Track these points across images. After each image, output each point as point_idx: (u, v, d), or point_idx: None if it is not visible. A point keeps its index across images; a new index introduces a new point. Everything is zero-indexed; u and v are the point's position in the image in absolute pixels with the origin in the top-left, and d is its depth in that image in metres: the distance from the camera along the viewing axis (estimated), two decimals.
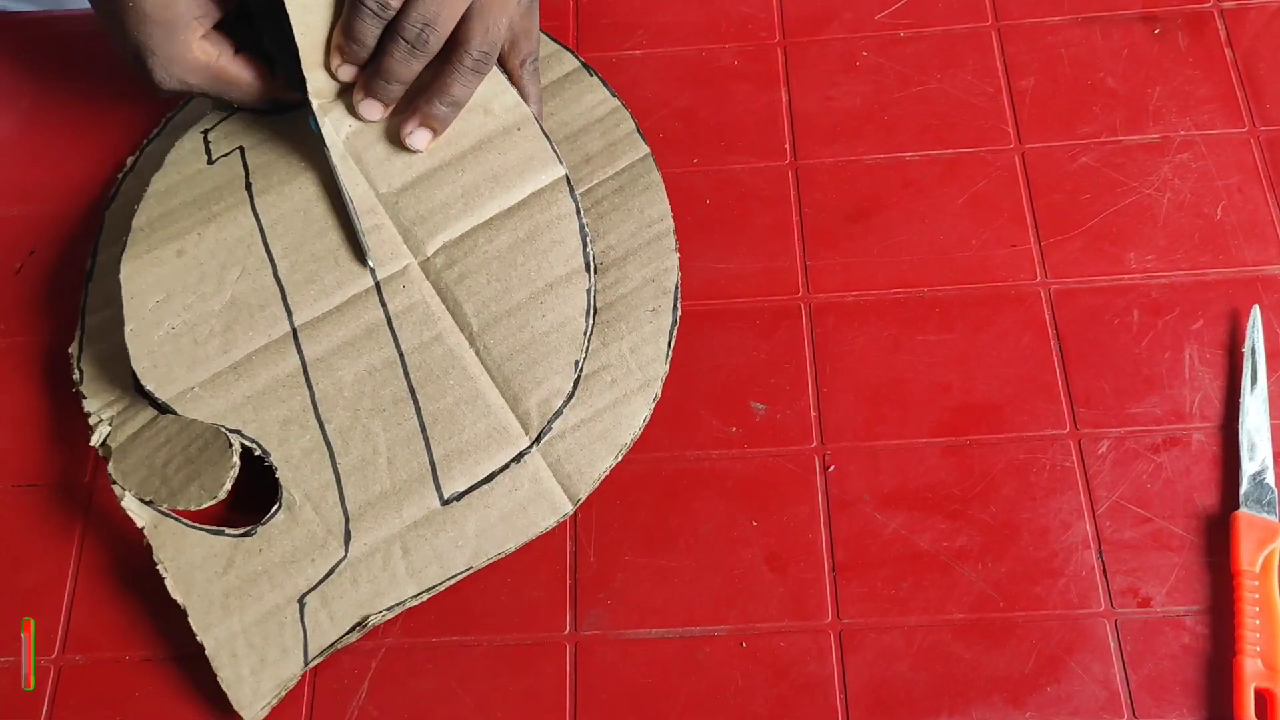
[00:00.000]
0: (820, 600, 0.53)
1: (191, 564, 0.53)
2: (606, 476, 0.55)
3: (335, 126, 0.57)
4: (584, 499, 0.55)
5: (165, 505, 0.53)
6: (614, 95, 0.63)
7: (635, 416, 0.56)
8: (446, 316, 0.56)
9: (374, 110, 0.57)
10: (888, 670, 0.51)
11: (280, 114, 0.59)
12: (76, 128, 0.67)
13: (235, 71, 0.56)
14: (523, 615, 0.54)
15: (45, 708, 0.53)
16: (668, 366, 0.57)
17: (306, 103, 0.56)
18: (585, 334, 0.56)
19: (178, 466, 0.53)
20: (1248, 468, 0.53)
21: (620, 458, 0.55)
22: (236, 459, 0.53)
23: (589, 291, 0.56)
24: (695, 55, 0.67)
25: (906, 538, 0.54)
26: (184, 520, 0.53)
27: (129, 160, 0.64)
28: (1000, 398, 0.56)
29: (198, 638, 0.52)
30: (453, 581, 0.53)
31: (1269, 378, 0.55)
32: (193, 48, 0.55)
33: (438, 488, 0.54)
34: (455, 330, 0.56)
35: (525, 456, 0.54)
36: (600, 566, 0.54)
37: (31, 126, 0.67)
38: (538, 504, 0.54)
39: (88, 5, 0.57)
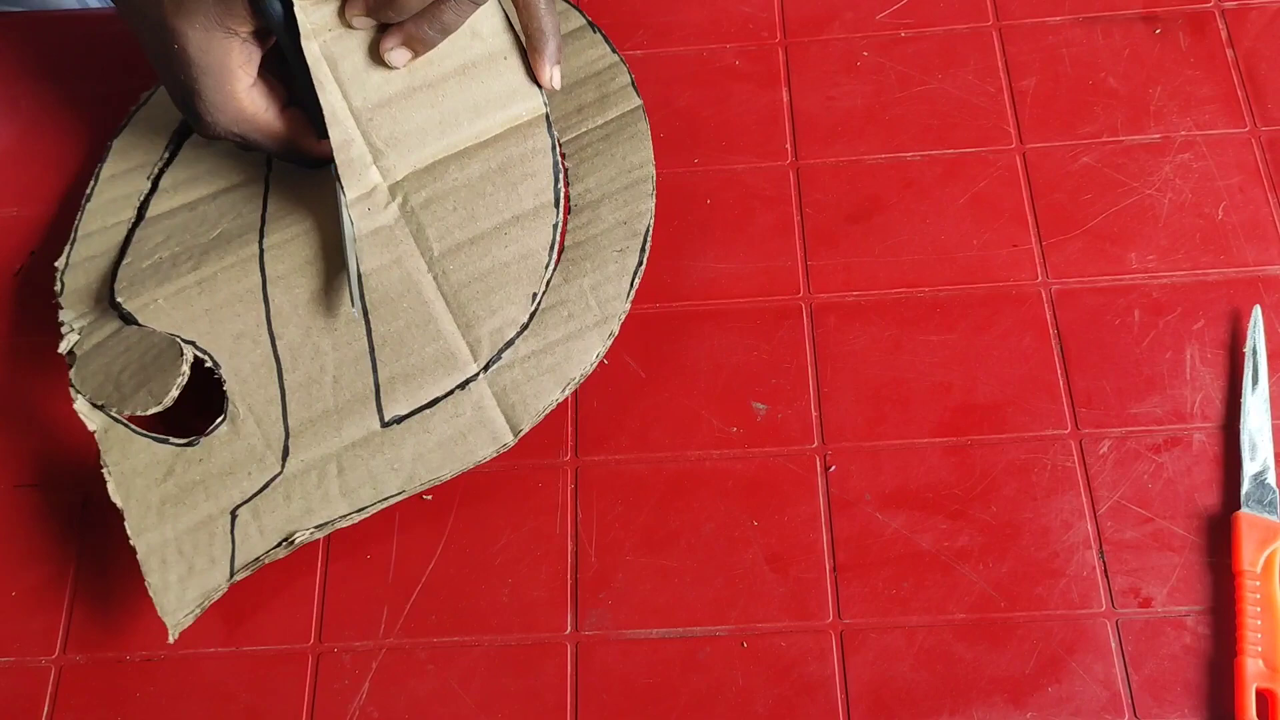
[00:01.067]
0: (821, 600, 0.53)
1: (134, 469, 0.53)
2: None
3: (315, 30, 0.54)
4: (525, 431, 0.54)
5: (115, 410, 0.53)
6: (614, 51, 0.63)
7: (588, 352, 0.55)
8: (409, 240, 0.56)
9: (401, 56, 0.55)
10: (889, 670, 0.51)
11: (320, 168, 0.59)
12: (77, 128, 0.67)
13: (279, 127, 0.56)
14: (523, 615, 0.54)
15: (45, 708, 0.53)
16: (628, 306, 0.57)
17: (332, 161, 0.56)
18: (546, 267, 0.56)
19: (131, 373, 0.54)
20: (1249, 468, 0.53)
21: (567, 393, 0.55)
22: (186, 368, 0.54)
23: (555, 226, 0.56)
24: (696, 55, 0.66)
25: (907, 538, 0.54)
26: (132, 427, 0.54)
27: (143, 96, 0.64)
28: (1001, 398, 0.56)
29: (131, 541, 0.52)
30: (384, 505, 0.53)
31: (1270, 378, 0.55)
32: (240, 97, 0.54)
33: (379, 409, 0.54)
34: (415, 254, 0.56)
35: (471, 384, 0.54)
36: (601, 566, 0.54)
37: (31, 127, 0.67)
38: (478, 432, 0.54)
39: (87, 5, 0.57)
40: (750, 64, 0.66)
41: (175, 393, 0.53)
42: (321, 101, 0.55)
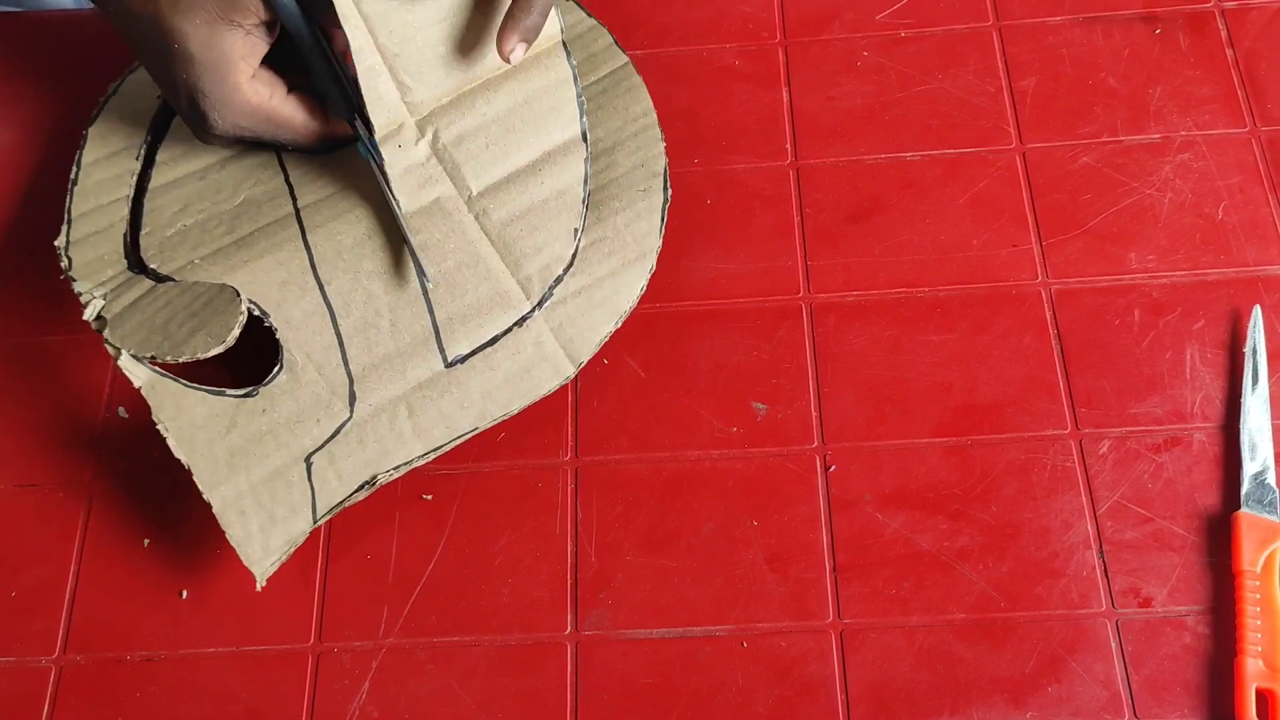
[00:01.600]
0: (821, 600, 0.53)
1: (193, 424, 0.53)
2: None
3: None
4: (585, 362, 0.56)
5: (169, 356, 0.53)
6: (590, 16, 0.64)
7: (634, 285, 0.57)
8: (445, 180, 0.56)
9: (521, 52, 0.55)
10: (889, 670, 0.51)
11: (331, 152, 0.59)
12: (76, 128, 0.67)
13: (288, 113, 0.56)
14: (524, 615, 0.54)
15: (45, 708, 0.53)
16: (660, 241, 0.58)
17: (358, 136, 0.56)
18: (583, 202, 0.57)
19: (181, 321, 0.54)
20: (1249, 468, 0.53)
21: (619, 324, 0.57)
22: (244, 307, 0.54)
23: (586, 160, 0.58)
24: (696, 55, 0.66)
25: (907, 538, 0.54)
26: (182, 381, 0.54)
27: (111, 87, 0.64)
28: (1001, 398, 0.56)
29: (205, 496, 0.52)
30: (459, 441, 0.54)
31: (1270, 378, 0.55)
32: (244, 89, 0.54)
33: (441, 350, 0.55)
34: (454, 194, 0.56)
35: (528, 320, 0.56)
36: (601, 566, 0.54)
37: (31, 127, 0.67)
38: (541, 367, 0.55)
39: (88, 5, 0.57)
40: (750, 64, 0.66)
41: (237, 331, 0.53)
42: (348, 34, 0.54)
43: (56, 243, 0.59)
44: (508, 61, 0.55)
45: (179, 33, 0.52)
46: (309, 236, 0.56)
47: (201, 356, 0.53)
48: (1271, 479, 0.53)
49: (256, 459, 0.53)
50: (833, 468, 0.55)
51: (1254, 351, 0.56)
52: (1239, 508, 0.53)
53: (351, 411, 0.54)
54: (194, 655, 0.53)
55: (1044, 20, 0.66)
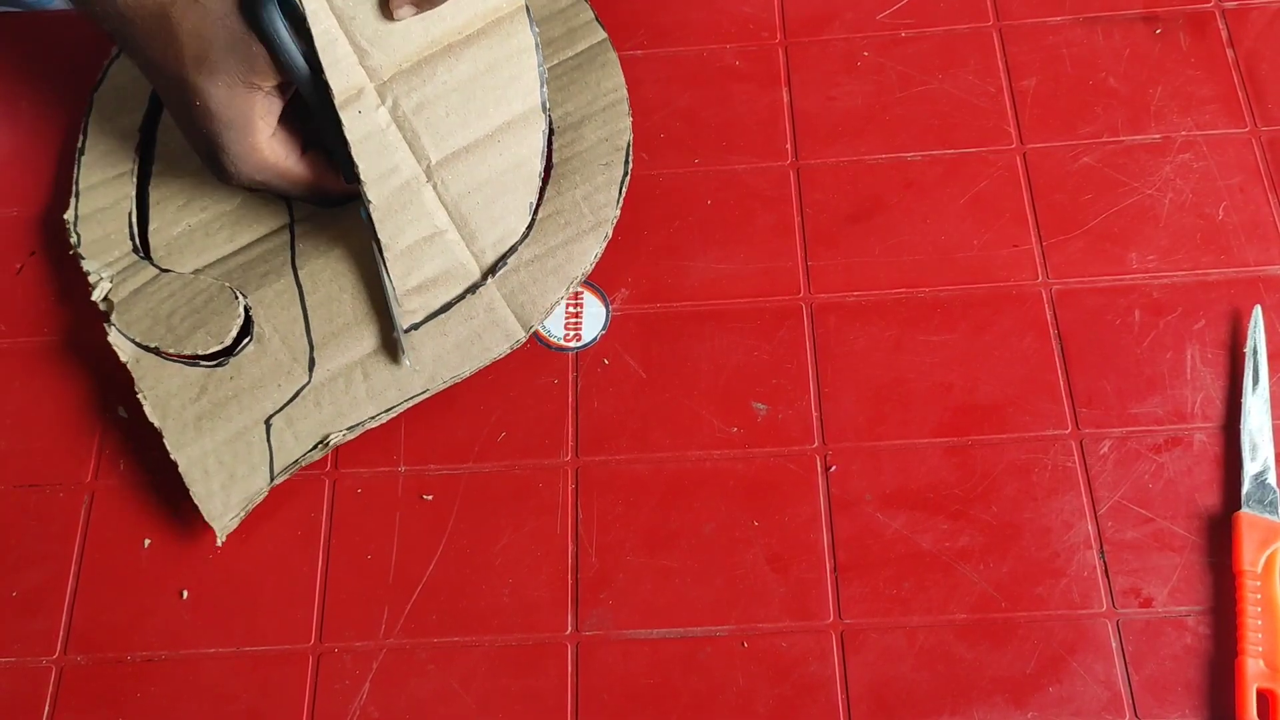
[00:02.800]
0: (822, 600, 0.53)
1: (168, 392, 0.56)
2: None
3: None
4: (536, 327, 0.58)
5: (171, 349, 0.57)
6: None
7: (587, 253, 0.59)
8: (404, 148, 0.56)
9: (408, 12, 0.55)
10: (889, 670, 0.51)
11: (339, 207, 0.60)
12: (77, 128, 0.67)
13: (301, 172, 0.57)
14: (524, 615, 0.54)
15: (46, 708, 0.53)
16: (618, 211, 0.59)
17: (360, 196, 0.57)
18: (539, 175, 0.58)
19: (183, 316, 0.57)
20: (1249, 468, 0.53)
21: (570, 291, 0.58)
22: (242, 310, 0.57)
23: (544, 133, 0.58)
24: (696, 55, 0.66)
25: (908, 538, 0.54)
26: (163, 354, 0.57)
27: (115, 50, 0.66)
28: (1002, 398, 0.56)
29: (171, 456, 0.55)
30: (410, 404, 0.56)
31: (1270, 378, 0.55)
32: (261, 148, 0.55)
33: (397, 325, 0.57)
34: (413, 162, 0.57)
35: (480, 288, 0.57)
36: (602, 566, 0.54)
37: (31, 127, 0.67)
38: (492, 332, 0.57)
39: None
40: (750, 64, 0.66)
41: (235, 332, 0.57)
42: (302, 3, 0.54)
43: (66, 216, 0.61)
44: (393, 19, 0.55)
45: (201, 91, 0.52)
46: (296, 236, 0.60)
47: (201, 353, 0.56)
48: (1272, 479, 0.53)
49: (221, 421, 0.56)
50: (833, 468, 0.55)
51: (1254, 351, 0.56)
52: (1239, 508, 0.53)
53: (310, 376, 0.56)
54: (194, 655, 0.53)
55: (1044, 20, 0.66)
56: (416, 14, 0.55)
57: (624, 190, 0.60)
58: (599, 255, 0.59)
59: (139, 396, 0.56)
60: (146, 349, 0.57)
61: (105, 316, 0.58)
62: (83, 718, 0.53)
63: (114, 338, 0.57)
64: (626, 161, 0.61)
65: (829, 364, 0.58)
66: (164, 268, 0.59)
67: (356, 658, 0.53)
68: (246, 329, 0.57)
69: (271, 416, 0.56)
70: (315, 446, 0.55)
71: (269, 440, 0.56)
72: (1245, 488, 0.53)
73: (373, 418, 0.56)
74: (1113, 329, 0.58)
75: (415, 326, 0.57)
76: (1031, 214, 0.61)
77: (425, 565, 0.55)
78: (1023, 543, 0.53)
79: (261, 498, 0.55)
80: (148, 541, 0.56)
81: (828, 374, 0.58)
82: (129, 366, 0.57)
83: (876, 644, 0.52)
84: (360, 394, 0.56)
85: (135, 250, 0.60)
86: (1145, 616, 0.52)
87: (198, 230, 0.61)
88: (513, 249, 0.58)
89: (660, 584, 0.54)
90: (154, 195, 0.62)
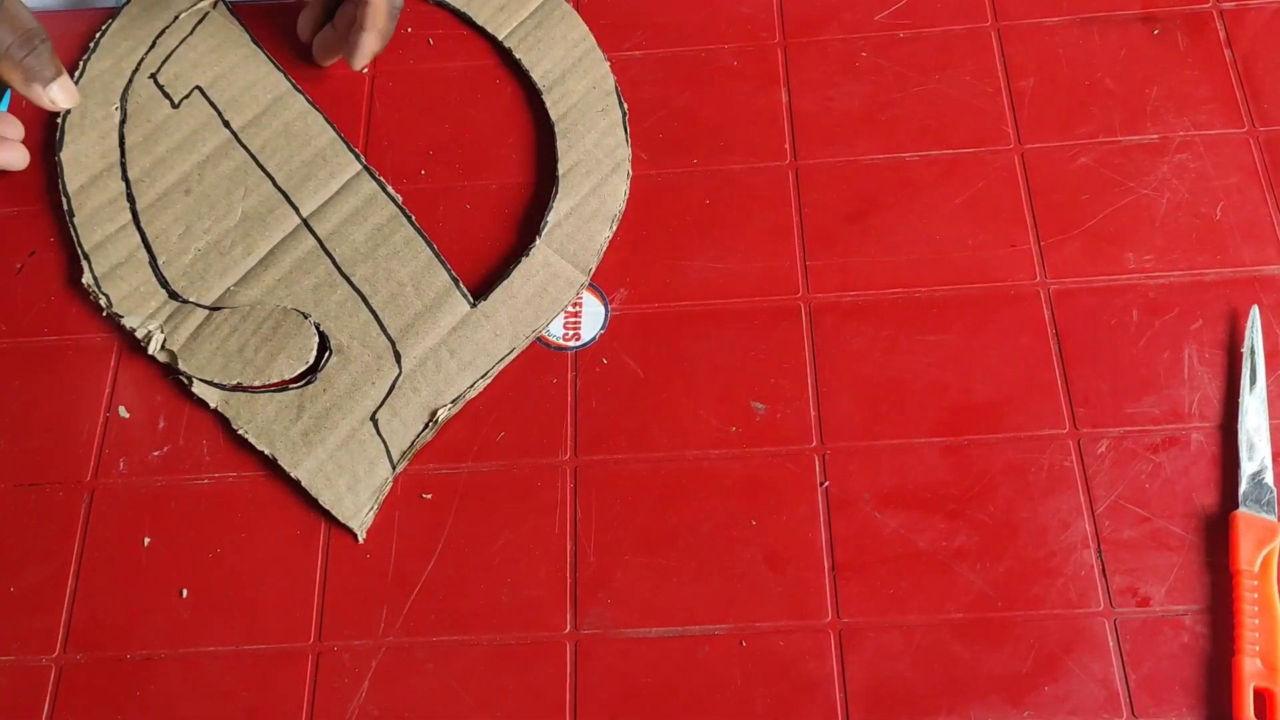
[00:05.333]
0: (819, 600, 0.53)
1: (267, 419, 0.58)
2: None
3: None
4: (594, 269, 0.60)
5: (256, 381, 0.58)
6: None
7: (617, 191, 0.62)
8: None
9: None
10: (887, 669, 0.51)
11: None
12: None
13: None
14: (523, 614, 0.54)
15: (46, 707, 0.53)
16: (630, 149, 0.63)
17: None
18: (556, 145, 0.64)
19: (255, 348, 0.59)
20: (1247, 467, 0.53)
21: (614, 229, 0.61)
22: (313, 328, 0.59)
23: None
24: (695, 55, 0.67)
25: (906, 537, 0.54)
26: (249, 389, 0.58)
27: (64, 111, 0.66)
28: (999, 397, 0.56)
29: (292, 474, 0.56)
30: (503, 365, 0.58)
31: (1268, 377, 0.56)
32: None
33: (464, 295, 0.60)
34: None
35: (531, 250, 0.61)
36: (600, 566, 0.54)
37: (30, 127, 0.67)
38: (555, 283, 0.60)
39: (87, 5, 0.57)
40: (749, 64, 0.66)
41: (315, 350, 0.59)
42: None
43: (85, 281, 0.61)
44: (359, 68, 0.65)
45: None
46: (327, 245, 0.62)
47: (289, 378, 0.58)
48: (1269, 479, 0.53)
49: (328, 430, 0.57)
50: (826, 484, 0.55)
51: (1251, 351, 0.56)
52: (1237, 507, 0.53)
53: (400, 368, 0.58)
54: (194, 654, 0.53)
55: (1042, 21, 0.66)
56: (379, 45, 0.63)
57: (628, 128, 0.64)
58: (627, 191, 0.62)
59: (241, 433, 0.57)
60: (230, 388, 0.58)
61: (167, 369, 0.59)
62: (82, 716, 0.53)
63: (198, 388, 0.58)
64: (620, 103, 0.65)
65: (827, 363, 0.58)
66: (192, 300, 0.60)
67: (355, 656, 0.53)
68: (324, 344, 0.59)
69: (375, 413, 0.57)
70: (426, 426, 0.57)
71: (380, 434, 0.57)
72: (1242, 487, 0.53)
73: (471, 386, 0.58)
74: (1110, 329, 0.58)
75: (484, 297, 0.59)
76: (1029, 214, 0.61)
77: (424, 564, 0.55)
78: (1020, 542, 0.53)
79: (388, 488, 0.56)
80: (147, 540, 0.56)
81: (826, 373, 0.58)
82: (218, 409, 0.58)
83: (874, 643, 0.52)
84: (452, 369, 0.58)
85: (172, 296, 0.61)
86: (1142, 616, 0.52)
87: (209, 252, 0.62)
88: (550, 207, 0.61)
89: (658, 583, 0.54)
90: (150, 232, 0.63)
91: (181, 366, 0.59)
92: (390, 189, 0.63)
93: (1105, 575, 0.53)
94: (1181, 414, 0.55)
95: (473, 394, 0.58)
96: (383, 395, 0.58)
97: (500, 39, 0.68)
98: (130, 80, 0.67)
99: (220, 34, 0.69)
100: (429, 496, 0.56)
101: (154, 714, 0.53)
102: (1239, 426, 0.54)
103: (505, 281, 0.60)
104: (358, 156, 0.64)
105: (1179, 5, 0.66)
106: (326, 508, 0.55)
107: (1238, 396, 0.55)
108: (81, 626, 0.55)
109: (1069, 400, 0.56)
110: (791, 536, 0.54)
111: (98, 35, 0.69)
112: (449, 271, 0.61)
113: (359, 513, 0.56)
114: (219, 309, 0.60)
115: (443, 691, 0.52)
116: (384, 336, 0.59)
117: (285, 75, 0.67)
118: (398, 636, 0.54)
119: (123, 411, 0.59)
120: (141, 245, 0.62)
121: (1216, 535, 0.53)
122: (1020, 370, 0.57)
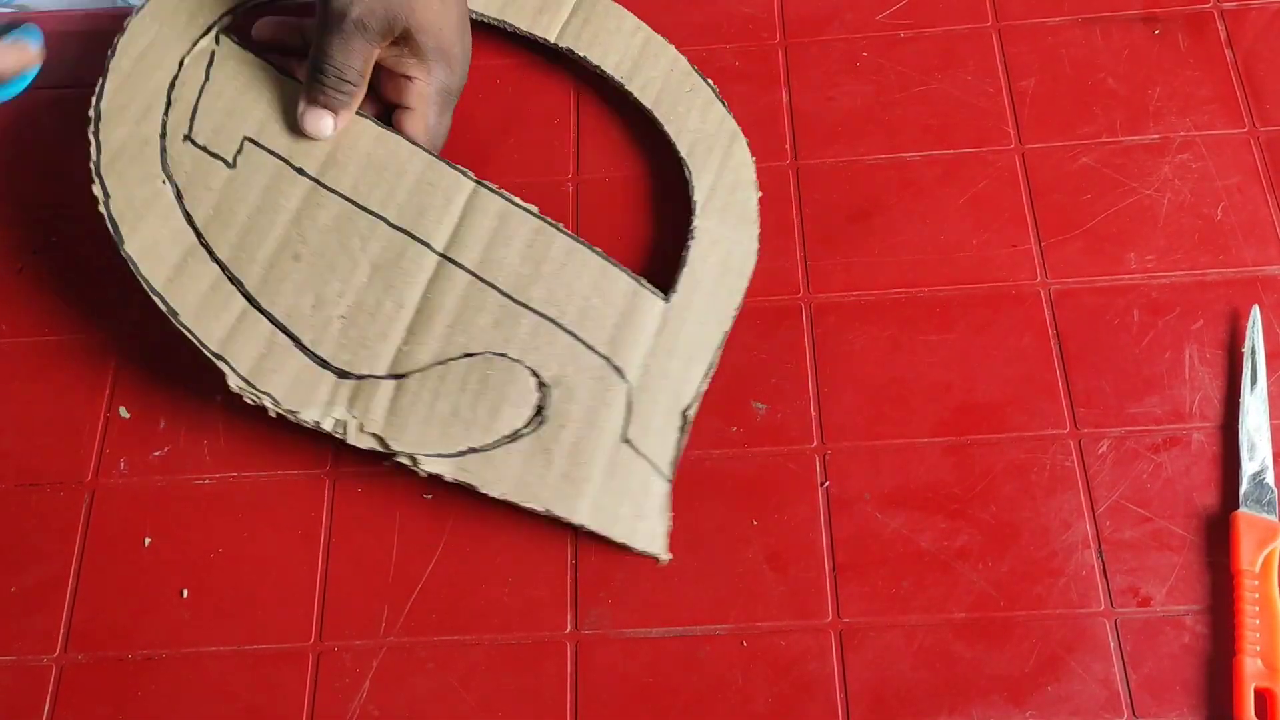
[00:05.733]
0: (821, 599, 0.53)
1: (516, 475, 0.54)
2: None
3: None
4: (758, 221, 0.61)
5: (487, 440, 0.54)
6: None
7: (746, 157, 0.62)
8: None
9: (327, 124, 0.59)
10: (888, 669, 0.51)
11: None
12: (77, 127, 0.67)
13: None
14: (524, 614, 0.54)
15: (46, 707, 0.53)
16: (734, 121, 0.63)
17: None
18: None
19: (470, 406, 0.54)
20: (1248, 467, 0.53)
21: (757, 195, 0.61)
22: (524, 367, 0.55)
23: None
24: (696, 56, 0.66)
25: (907, 537, 0.54)
26: (479, 447, 0.54)
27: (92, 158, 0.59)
28: (1001, 397, 0.56)
29: (574, 521, 0.53)
30: (722, 347, 0.57)
31: (1269, 378, 0.56)
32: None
33: (652, 291, 0.57)
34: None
35: (694, 230, 0.59)
36: (601, 565, 0.54)
37: (32, 126, 0.67)
38: (733, 252, 0.60)
39: (86, 5, 0.57)
40: (750, 64, 0.66)
41: (536, 388, 0.55)
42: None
43: (234, 386, 0.54)
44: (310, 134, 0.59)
45: None
46: (482, 275, 0.57)
47: (520, 426, 0.54)
48: (1270, 479, 0.53)
49: (586, 466, 0.54)
50: (826, 483, 0.55)
51: (1253, 351, 0.56)
52: (1238, 507, 0.53)
53: (627, 380, 0.55)
54: (195, 654, 0.53)
55: (1043, 21, 0.66)
56: (335, 125, 0.59)
57: (722, 101, 0.64)
58: (747, 151, 0.62)
59: (496, 496, 0.53)
60: (460, 454, 0.54)
61: (382, 455, 0.54)
62: (83, 716, 0.53)
63: (427, 465, 0.53)
64: (705, 79, 0.64)
65: (828, 363, 0.58)
66: (364, 373, 0.55)
67: (356, 656, 0.53)
68: (540, 380, 0.55)
69: (626, 433, 0.54)
70: (681, 429, 0.55)
71: (640, 452, 0.54)
72: (1243, 487, 0.53)
73: (705, 376, 0.56)
74: (1111, 329, 0.58)
75: (674, 288, 0.58)
76: (1030, 214, 0.61)
77: (425, 564, 0.55)
78: (1021, 542, 0.53)
79: (670, 499, 0.54)
80: (148, 540, 0.56)
81: (827, 373, 0.58)
82: (459, 480, 0.53)
83: (875, 643, 0.52)
84: (677, 368, 0.56)
85: (341, 376, 0.55)
86: (1143, 616, 0.52)
87: (356, 317, 0.56)
88: (690, 186, 0.60)
89: (659, 583, 0.54)
90: (276, 312, 0.56)
91: (395, 447, 0.53)
92: (518, 199, 0.59)
93: (1106, 575, 0.53)
94: (1182, 414, 0.55)
95: (705, 385, 0.56)
96: (623, 413, 0.55)
97: (551, 41, 0.65)
98: (163, 149, 0.59)
99: (240, 72, 0.61)
100: (429, 496, 0.56)
101: (155, 714, 0.53)
102: (1240, 426, 0.54)
103: (685, 268, 0.58)
104: (463, 172, 0.59)
105: (1180, 5, 0.66)
106: (621, 542, 0.53)
107: (1239, 396, 0.55)
108: (82, 626, 0.55)
109: (1070, 400, 0.56)
110: (793, 536, 0.54)
111: (94, 100, 0.60)
112: (626, 271, 0.57)
113: (655, 538, 0.54)
114: (404, 375, 0.55)
115: (444, 691, 0.52)
116: (595, 354, 0.56)
117: None
118: (399, 636, 0.54)
119: (123, 411, 0.59)
120: (276, 330, 0.56)
121: (1217, 535, 0.53)
122: (1021, 370, 0.57)
